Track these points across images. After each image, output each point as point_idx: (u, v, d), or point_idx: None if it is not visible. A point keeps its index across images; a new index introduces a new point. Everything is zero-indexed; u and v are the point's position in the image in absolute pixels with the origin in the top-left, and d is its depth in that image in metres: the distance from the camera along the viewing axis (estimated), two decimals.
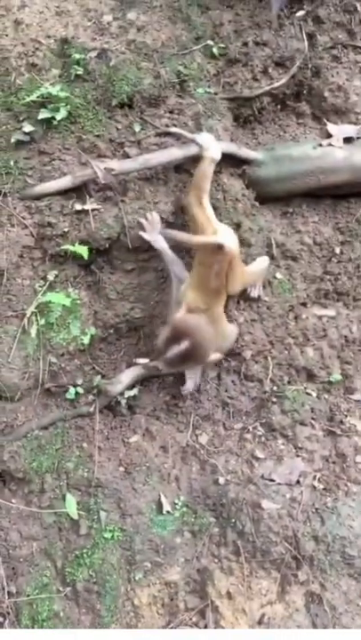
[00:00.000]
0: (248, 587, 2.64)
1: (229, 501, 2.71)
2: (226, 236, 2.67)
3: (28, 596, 2.55)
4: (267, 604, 2.61)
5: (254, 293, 2.98)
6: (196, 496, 2.76)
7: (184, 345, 2.51)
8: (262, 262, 2.94)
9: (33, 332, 2.81)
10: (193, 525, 2.73)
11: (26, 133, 2.82)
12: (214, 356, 2.68)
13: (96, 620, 2.57)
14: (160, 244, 2.79)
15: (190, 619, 2.63)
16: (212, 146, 2.76)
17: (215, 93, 2.98)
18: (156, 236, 2.80)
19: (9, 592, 2.55)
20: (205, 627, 2.60)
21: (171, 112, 2.92)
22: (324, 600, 2.59)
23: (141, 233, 2.79)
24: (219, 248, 2.58)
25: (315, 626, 2.58)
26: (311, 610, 2.60)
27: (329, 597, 2.59)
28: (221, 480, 2.75)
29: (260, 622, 2.59)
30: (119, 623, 2.58)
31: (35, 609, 2.54)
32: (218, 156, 2.77)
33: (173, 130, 2.87)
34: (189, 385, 2.87)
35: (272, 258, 3.03)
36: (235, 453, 2.83)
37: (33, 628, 2.52)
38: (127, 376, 2.82)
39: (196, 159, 2.81)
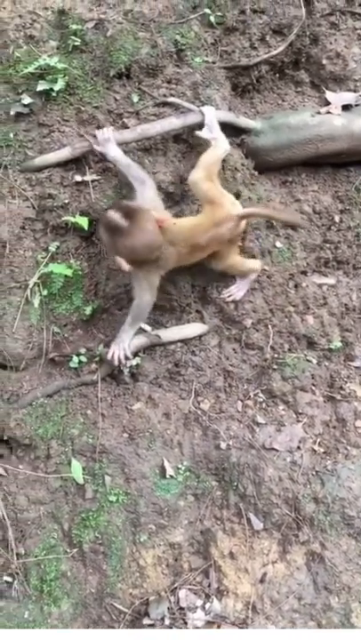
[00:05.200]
0: (250, 547, 2.71)
1: (231, 465, 2.77)
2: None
3: (36, 557, 2.62)
4: (268, 564, 2.68)
5: (232, 296, 2.95)
6: (199, 461, 2.82)
7: (124, 221, 2.43)
8: (255, 263, 2.93)
9: (36, 302, 2.86)
10: (196, 489, 2.80)
11: (25, 105, 2.84)
12: (122, 264, 2.51)
13: (103, 579, 2.65)
14: (113, 153, 2.72)
15: (194, 578, 2.71)
16: (223, 138, 2.79)
17: (213, 62, 2.98)
18: (108, 147, 2.73)
19: (17, 553, 2.62)
20: (209, 585, 2.67)
21: (169, 82, 2.92)
22: (324, 559, 2.65)
23: (94, 147, 2.75)
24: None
25: (315, 584, 2.64)
26: (312, 568, 2.67)
27: (329, 556, 2.65)
28: (223, 445, 2.81)
29: (261, 581, 2.66)
30: (125, 583, 2.66)
31: (43, 569, 2.62)
32: (229, 148, 2.82)
33: (172, 100, 2.88)
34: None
35: (271, 227, 3.04)
36: (236, 419, 2.88)
37: (41, 587, 2.60)
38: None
39: (194, 128, 2.83)
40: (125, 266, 2.53)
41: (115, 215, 2.47)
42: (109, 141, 2.74)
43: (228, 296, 2.96)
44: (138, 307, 2.75)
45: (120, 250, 2.51)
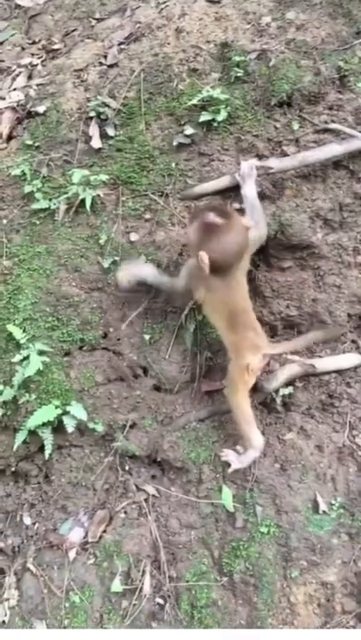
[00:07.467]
0: None
1: None
2: None
3: (188, 581, 2.63)
4: None
5: (230, 459, 2.74)
6: (354, 498, 2.71)
7: (220, 220, 2.40)
8: (258, 440, 2.73)
9: (191, 327, 2.90)
10: (350, 528, 2.68)
11: (187, 136, 2.92)
12: (205, 260, 2.40)
13: (253, 612, 2.60)
14: (245, 189, 2.72)
15: (347, 622, 2.58)
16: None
17: None
18: (247, 183, 2.72)
19: (170, 576, 2.65)
20: None
21: (330, 108, 2.89)
22: None
23: (236, 176, 2.75)
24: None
25: None
26: None
27: None
28: None
29: None
30: (275, 619, 2.59)
31: (193, 595, 2.62)
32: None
33: (333, 126, 2.84)
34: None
35: None
36: None
37: (192, 613, 2.60)
38: (283, 373, 2.83)
39: (355, 154, 2.77)
40: (207, 265, 2.41)
41: (211, 214, 2.44)
42: (250, 177, 2.73)
43: (225, 455, 2.76)
44: (172, 289, 2.75)
45: (212, 247, 2.41)
